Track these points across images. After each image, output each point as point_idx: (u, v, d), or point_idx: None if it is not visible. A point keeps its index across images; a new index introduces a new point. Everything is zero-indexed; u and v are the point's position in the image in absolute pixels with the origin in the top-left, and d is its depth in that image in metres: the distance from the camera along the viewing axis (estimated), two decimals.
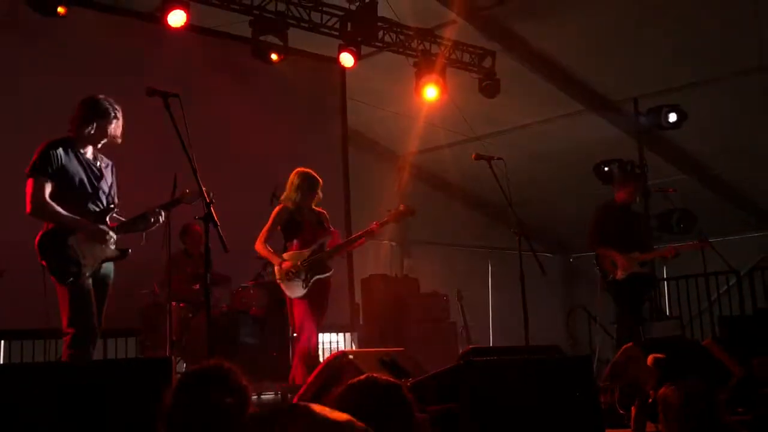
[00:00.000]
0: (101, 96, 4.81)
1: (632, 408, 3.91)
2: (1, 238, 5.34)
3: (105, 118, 4.74)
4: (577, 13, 8.81)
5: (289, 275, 5.98)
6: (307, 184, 6.16)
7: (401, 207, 6.46)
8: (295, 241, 6.16)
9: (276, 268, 6.10)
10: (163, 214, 4.91)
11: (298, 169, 6.27)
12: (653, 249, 7.60)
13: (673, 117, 9.29)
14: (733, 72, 9.17)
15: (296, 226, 6.15)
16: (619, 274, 7.19)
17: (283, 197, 6.25)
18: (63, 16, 7.04)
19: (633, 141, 10.02)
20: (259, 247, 6.14)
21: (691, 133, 9.92)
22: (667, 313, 10.34)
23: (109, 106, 4.76)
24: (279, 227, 6.18)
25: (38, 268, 4.63)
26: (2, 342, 7.51)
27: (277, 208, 6.22)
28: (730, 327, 8.39)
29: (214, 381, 2.17)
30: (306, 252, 6.07)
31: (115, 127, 4.80)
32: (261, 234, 6.13)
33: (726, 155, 10.82)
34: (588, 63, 9.78)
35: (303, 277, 5.99)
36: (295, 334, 6.22)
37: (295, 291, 6.01)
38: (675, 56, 9.17)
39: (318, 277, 6.04)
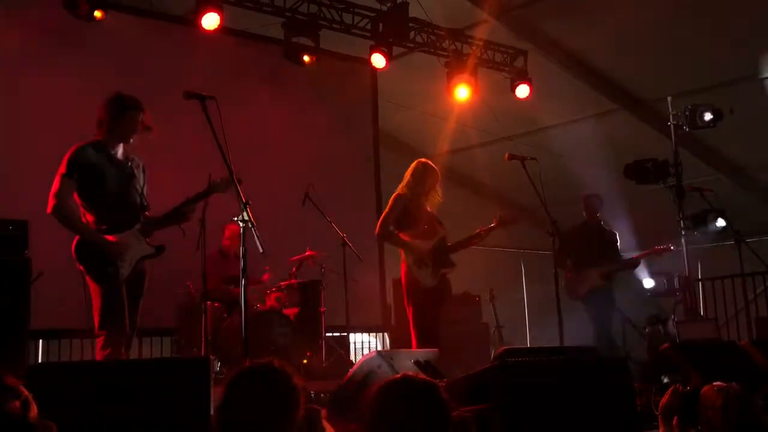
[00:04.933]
0: (120, 92, 4.83)
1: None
2: (39, 239, 5.42)
3: (130, 110, 4.75)
4: (610, 11, 8.74)
5: (422, 262, 5.83)
6: (427, 174, 6.00)
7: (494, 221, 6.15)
8: (411, 231, 5.94)
9: (409, 253, 5.86)
10: (194, 207, 4.94)
11: (421, 159, 6.14)
12: (615, 261, 7.77)
13: (708, 116, 9.16)
14: None
15: (412, 216, 5.95)
16: (580, 292, 7.44)
17: (401, 185, 6.06)
18: (100, 21, 7.16)
19: (667, 140, 9.90)
20: (383, 233, 5.96)
21: (727, 133, 9.78)
22: (702, 314, 10.20)
23: (130, 98, 4.78)
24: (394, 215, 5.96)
25: (76, 269, 4.71)
26: (40, 341, 7.60)
27: (394, 196, 6.04)
28: (767, 328, 8.29)
29: (266, 380, 2.21)
30: (429, 243, 5.92)
31: (142, 119, 4.79)
32: (380, 221, 5.98)
33: (762, 154, 10.66)
34: (621, 61, 9.70)
35: (432, 266, 5.87)
36: None
37: (427, 280, 5.86)
38: (710, 54, 9.06)
39: (445, 270, 5.95)
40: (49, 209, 4.63)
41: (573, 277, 7.50)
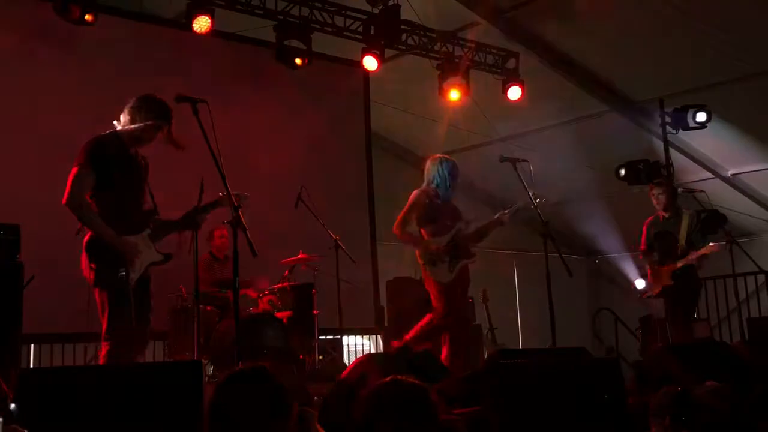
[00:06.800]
0: (158, 95, 4.63)
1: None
2: (32, 243, 5.42)
3: (159, 120, 4.57)
4: (602, 13, 8.77)
5: (434, 260, 5.92)
6: (443, 167, 6.08)
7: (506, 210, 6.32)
8: (431, 227, 6.03)
9: (420, 252, 5.97)
10: (205, 216, 4.80)
11: (437, 155, 6.21)
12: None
13: (699, 117, 9.20)
14: (759, 72, 9.06)
15: (436, 212, 6.03)
16: (653, 290, 7.22)
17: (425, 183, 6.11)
18: (91, 24, 7.14)
19: (659, 142, 9.94)
20: (399, 231, 6.00)
21: (718, 133, 9.82)
22: (695, 315, 10.24)
23: (164, 107, 4.59)
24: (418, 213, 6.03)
25: (68, 273, 4.63)
26: (32, 346, 7.58)
27: (415, 192, 6.08)
28: (758, 328, 8.33)
29: (256, 384, 2.22)
30: (445, 238, 5.99)
31: (171, 129, 4.61)
32: (399, 219, 6.01)
33: (753, 155, 10.70)
34: (612, 63, 9.73)
35: (448, 261, 5.95)
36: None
37: (442, 276, 5.96)
38: (700, 56, 9.09)
39: (464, 261, 6.02)
40: (64, 200, 4.36)
41: (652, 273, 7.30)
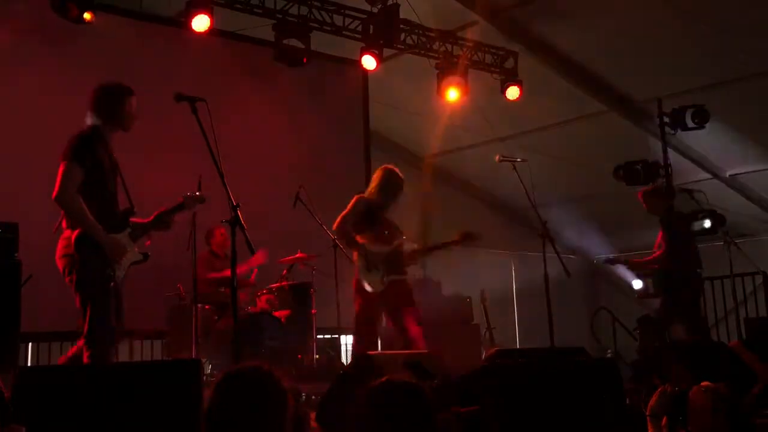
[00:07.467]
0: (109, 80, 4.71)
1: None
2: (29, 242, 5.42)
3: (129, 96, 4.66)
4: (600, 13, 8.77)
5: (369, 266, 5.89)
6: (392, 184, 6.07)
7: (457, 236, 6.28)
8: (365, 234, 6.02)
9: (361, 256, 5.94)
10: (172, 217, 4.83)
11: (387, 166, 6.21)
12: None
13: (696, 117, 9.19)
14: (757, 72, 9.07)
15: (373, 220, 6.02)
16: None
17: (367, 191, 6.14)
18: (89, 22, 7.13)
19: (657, 142, 9.93)
20: (340, 231, 6.02)
21: (716, 134, 9.82)
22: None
23: (125, 85, 4.69)
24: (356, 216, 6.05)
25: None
26: (30, 344, 7.57)
27: (356, 197, 6.09)
28: (756, 329, 8.33)
29: (253, 383, 2.23)
30: (385, 248, 5.97)
31: (135, 104, 4.70)
32: (339, 219, 6.01)
33: (752, 155, 10.72)
34: (611, 63, 9.73)
35: (383, 271, 5.92)
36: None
37: (374, 284, 5.90)
38: (699, 56, 9.09)
39: (395, 277, 5.97)
40: (54, 195, 4.35)
41: None
